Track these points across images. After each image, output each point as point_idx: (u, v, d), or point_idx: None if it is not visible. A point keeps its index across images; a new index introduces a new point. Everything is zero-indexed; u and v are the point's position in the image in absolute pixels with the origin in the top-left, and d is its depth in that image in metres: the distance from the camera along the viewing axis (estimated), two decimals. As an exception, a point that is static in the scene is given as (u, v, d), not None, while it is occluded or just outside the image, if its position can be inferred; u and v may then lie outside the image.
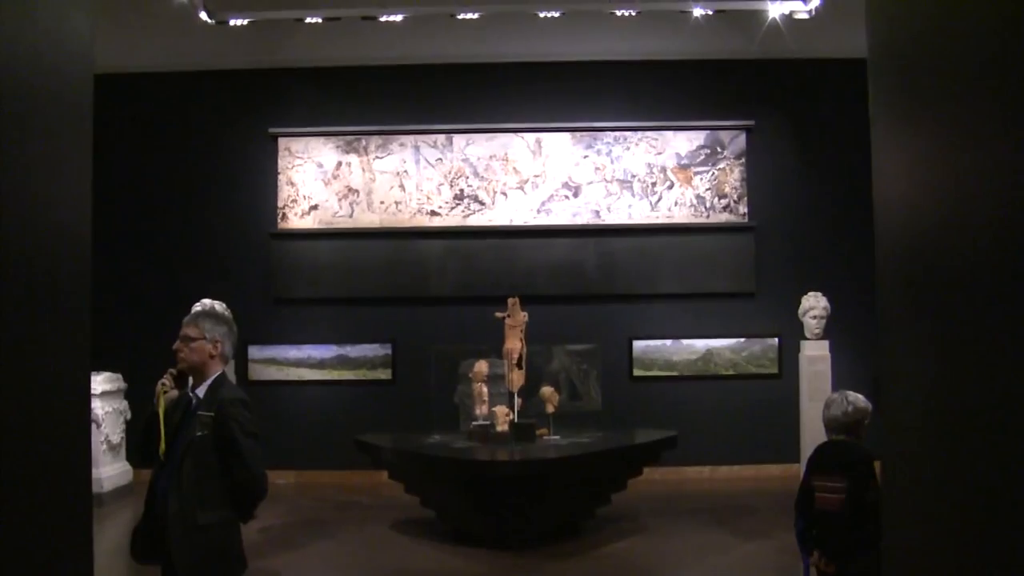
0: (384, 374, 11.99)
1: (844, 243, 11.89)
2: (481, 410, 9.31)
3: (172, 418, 4.38)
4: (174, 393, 4.44)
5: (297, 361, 12.01)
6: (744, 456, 11.82)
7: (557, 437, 9.09)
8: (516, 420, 9.08)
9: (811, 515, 5.17)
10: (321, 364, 12.00)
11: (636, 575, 7.96)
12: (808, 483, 5.23)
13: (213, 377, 4.40)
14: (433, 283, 12.07)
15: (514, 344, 9.18)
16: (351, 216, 12.20)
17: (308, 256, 12.13)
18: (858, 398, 5.18)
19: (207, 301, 7.95)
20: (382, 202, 12.20)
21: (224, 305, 8.03)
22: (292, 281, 12.10)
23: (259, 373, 12.01)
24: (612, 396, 11.70)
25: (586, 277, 12.04)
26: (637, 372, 11.95)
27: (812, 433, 7.82)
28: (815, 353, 7.93)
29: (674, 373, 11.93)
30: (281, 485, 11.47)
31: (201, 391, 4.38)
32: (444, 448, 8.79)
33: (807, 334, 8.01)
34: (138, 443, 4.43)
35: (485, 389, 9.37)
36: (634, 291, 12.02)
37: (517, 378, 9.20)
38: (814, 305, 8.06)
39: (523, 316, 9.27)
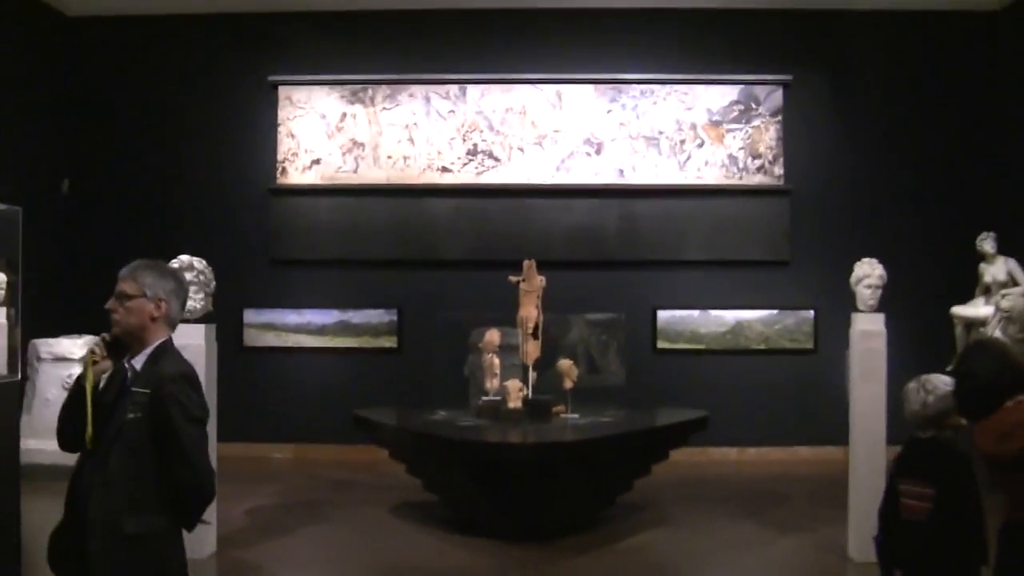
0: (389, 342, 11.38)
1: (889, 208, 11.34)
2: (492, 384, 8.63)
3: (104, 397, 3.51)
4: (106, 364, 3.58)
5: (296, 327, 11.41)
6: (774, 438, 11.23)
7: (575, 416, 8.40)
8: (530, 396, 8.41)
9: (896, 525, 4.24)
10: (322, 330, 11.39)
11: (662, 574, 7.13)
12: (893, 487, 4.30)
13: (154, 345, 3.54)
14: (443, 245, 11.43)
15: (529, 311, 8.48)
16: (356, 171, 11.51)
17: (309, 214, 11.47)
18: (938, 384, 4.27)
19: (184, 257, 7.10)
20: (389, 157, 11.50)
21: (204, 262, 7.16)
22: (292, 241, 11.46)
23: (255, 339, 11.41)
24: (634, 370, 11.02)
25: (608, 241, 11.38)
26: (661, 344, 11.31)
27: (865, 419, 7.08)
28: (869, 327, 7.05)
29: (701, 346, 11.31)
30: (277, 460, 11.10)
31: (139, 362, 3.52)
32: (449, 427, 8.07)
33: (860, 305, 7.15)
34: (59, 426, 3.54)
35: (497, 361, 8.69)
36: (659, 257, 11.36)
37: (532, 349, 8.52)
38: (868, 273, 7.18)
39: (540, 280, 8.62)
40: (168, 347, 3.56)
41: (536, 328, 8.48)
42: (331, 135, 11.52)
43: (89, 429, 3.42)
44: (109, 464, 3.37)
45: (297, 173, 11.49)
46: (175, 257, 7.07)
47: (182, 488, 3.41)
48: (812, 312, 11.24)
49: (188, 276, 7.01)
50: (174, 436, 3.36)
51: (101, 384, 3.56)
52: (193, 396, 3.46)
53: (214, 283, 7.31)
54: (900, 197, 11.35)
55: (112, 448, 3.38)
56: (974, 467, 4.11)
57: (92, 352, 3.53)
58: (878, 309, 7.25)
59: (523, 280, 8.57)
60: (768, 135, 11.40)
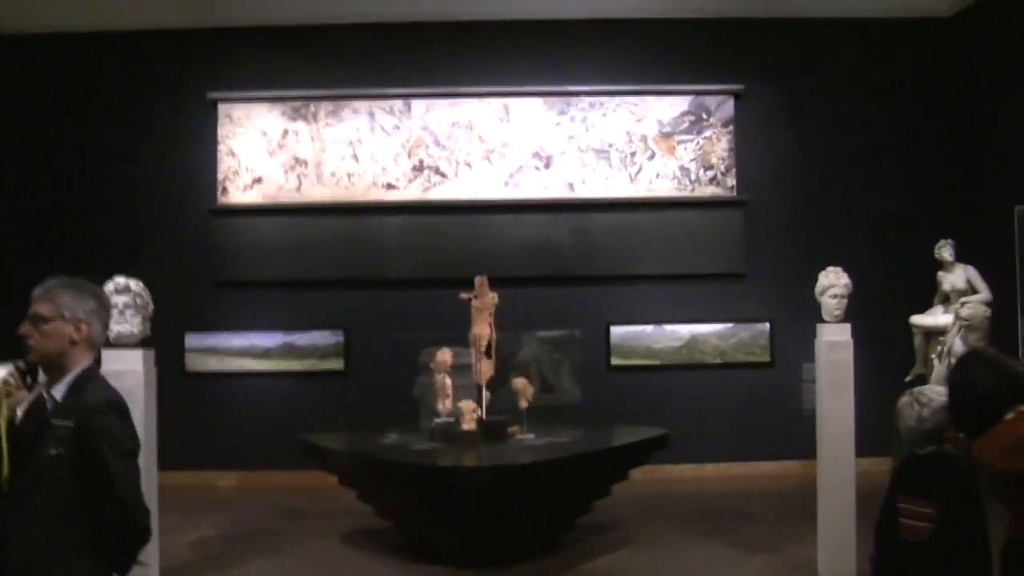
0: (336, 364, 11.07)
1: (844, 218, 11.29)
2: (444, 405, 8.37)
3: (22, 431, 3.15)
4: (22, 395, 3.20)
5: (240, 350, 11.05)
6: (734, 453, 11.10)
7: (531, 436, 8.14)
8: (484, 417, 8.13)
9: (893, 545, 3.98)
10: (266, 354, 11.05)
11: None
12: (891, 505, 4.04)
13: (76, 372, 3.19)
14: (390, 264, 11.15)
15: (482, 329, 8.24)
16: (299, 190, 11.21)
17: (251, 234, 11.14)
18: (933, 397, 4.03)
19: (120, 279, 6.71)
20: (333, 174, 11.22)
21: (140, 284, 6.79)
22: (234, 262, 11.12)
23: (197, 364, 11.05)
24: (590, 388, 10.87)
25: (559, 257, 11.18)
26: (616, 361, 11.10)
27: (832, 432, 6.89)
28: (836, 338, 6.87)
29: (656, 362, 11.11)
30: (222, 488, 10.74)
31: (59, 392, 3.16)
32: (400, 451, 7.77)
33: (826, 316, 6.97)
34: None
35: (449, 381, 8.43)
36: (612, 272, 11.18)
37: (486, 368, 8.28)
38: (834, 282, 7.01)
39: (492, 297, 8.39)
40: (92, 373, 3.22)
41: (489, 346, 8.23)
42: (273, 153, 11.20)
43: (5, 469, 3.08)
44: (30, 506, 3.03)
45: (239, 192, 11.16)
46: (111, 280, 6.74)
47: (114, 529, 3.08)
48: (768, 324, 11.10)
49: (123, 299, 6.69)
50: (103, 472, 3.03)
51: (18, 417, 3.21)
52: (122, 427, 3.13)
53: (152, 306, 6.92)
54: (856, 206, 11.27)
55: (32, 489, 3.04)
56: (978, 482, 3.86)
57: (5, 383, 3.18)
58: (844, 319, 7.06)
59: (475, 297, 8.31)
60: (720, 146, 11.26)
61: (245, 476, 10.80)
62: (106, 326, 3.33)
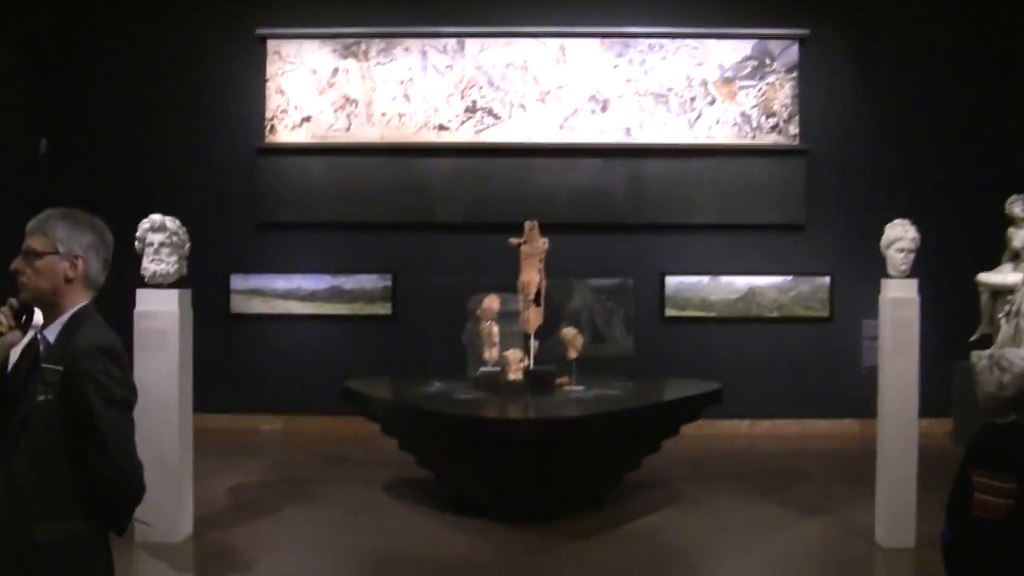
0: (383, 309, 10.88)
1: (911, 169, 10.82)
2: (490, 354, 8.11)
3: (15, 374, 2.84)
4: (15, 336, 2.89)
5: (285, 293, 10.89)
6: (788, 410, 10.81)
7: (580, 388, 7.89)
8: (531, 367, 7.88)
9: (966, 522, 3.55)
10: (312, 297, 10.88)
11: (674, 560, 6.63)
12: (965, 477, 3.60)
13: (71, 312, 2.87)
14: (440, 207, 10.91)
15: (531, 276, 7.95)
16: (348, 130, 10.94)
17: (299, 175, 10.91)
18: (1014, 361, 3.60)
19: (156, 217, 6.51)
20: (383, 114, 10.91)
21: (177, 222, 6.57)
22: (280, 203, 10.90)
23: (242, 305, 10.89)
24: (642, 339, 10.62)
25: (614, 203, 10.86)
26: (670, 312, 10.83)
27: (895, 393, 6.59)
28: (901, 295, 6.46)
29: (711, 314, 10.82)
30: (266, 432, 10.68)
31: (52, 334, 2.86)
32: (444, 401, 7.53)
33: (891, 271, 6.56)
34: None
35: (496, 329, 8.18)
36: (668, 220, 10.86)
37: (534, 317, 8.00)
38: (901, 235, 6.57)
39: (542, 243, 8.10)
40: (87, 314, 2.90)
41: (538, 294, 7.95)
42: (322, 91, 10.92)
43: (-7, 414, 2.78)
44: (15, 458, 2.73)
45: (286, 131, 10.91)
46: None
47: (103, 486, 2.77)
48: (828, 278, 10.75)
49: (159, 237, 6.54)
50: (91, 423, 2.73)
51: (12, 361, 2.89)
52: (115, 373, 2.80)
53: (189, 245, 6.73)
54: (923, 157, 10.80)
55: (19, 439, 2.74)
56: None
57: (-3, 323, 2.87)
58: (910, 275, 6.61)
59: (524, 243, 8.02)
60: (783, 92, 10.82)
61: (288, 421, 10.72)
62: (106, 263, 3.01)
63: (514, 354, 7.76)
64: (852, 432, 10.37)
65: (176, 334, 6.43)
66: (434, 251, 10.84)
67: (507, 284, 8.35)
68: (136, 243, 6.50)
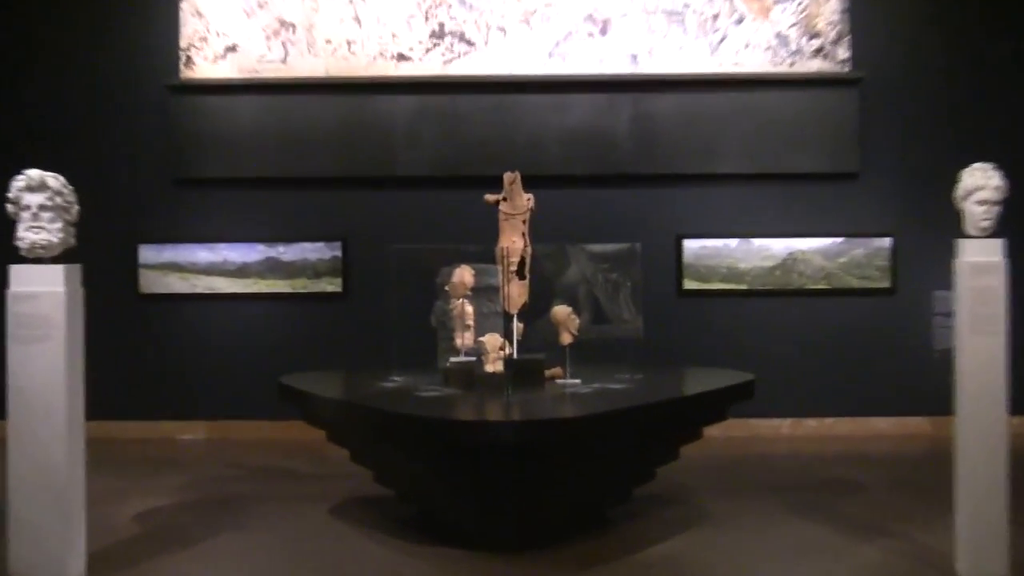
0: (331, 286, 11.01)
1: (990, 103, 10.87)
2: (463, 340, 8.08)
3: None
4: None
5: (208, 267, 10.94)
6: (840, 406, 10.90)
7: (576, 381, 7.84)
8: (515, 355, 7.82)
9: None
10: (242, 271, 10.95)
11: None
12: None
13: None
14: (401, 158, 10.95)
15: (513, 242, 7.94)
16: (285, 61, 11.01)
17: (223, 118, 10.94)
18: None
19: (33, 173, 6.35)
20: (328, 41, 11.00)
21: (62, 180, 6.43)
22: (201, 154, 10.95)
23: (154, 284, 10.93)
24: (654, 319, 10.46)
25: (617, 150, 10.91)
26: (689, 284, 10.92)
27: (977, 382, 6.48)
28: (983, 258, 6.34)
29: (741, 286, 10.91)
30: (185, 443, 10.72)
31: None
32: (405, 399, 7.46)
33: (970, 229, 6.43)
34: None
35: (470, 309, 8.15)
36: (686, 170, 10.93)
37: (517, 292, 7.94)
38: (982, 184, 6.43)
39: (527, 200, 8.03)
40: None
41: (522, 264, 7.90)
42: (251, 13, 10.97)
43: None
44: None
45: (207, 64, 10.94)
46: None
47: None
48: (888, 240, 10.80)
49: (37, 199, 6.36)
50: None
51: None
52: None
53: (78, 208, 6.55)
54: (1008, 86, 10.86)
55: None
56: None
57: None
58: (994, 233, 6.47)
59: (504, 200, 7.94)
60: (829, 7, 10.90)
61: (213, 428, 10.80)
62: None
63: (492, 340, 7.70)
64: (921, 432, 10.43)
65: (62, 321, 6.25)
66: (394, 212, 10.90)
67: (484, 253, 8.34)
68: (8, 206, 6.34)
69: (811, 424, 10.74)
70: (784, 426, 10.72)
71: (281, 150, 10.87)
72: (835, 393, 10.80)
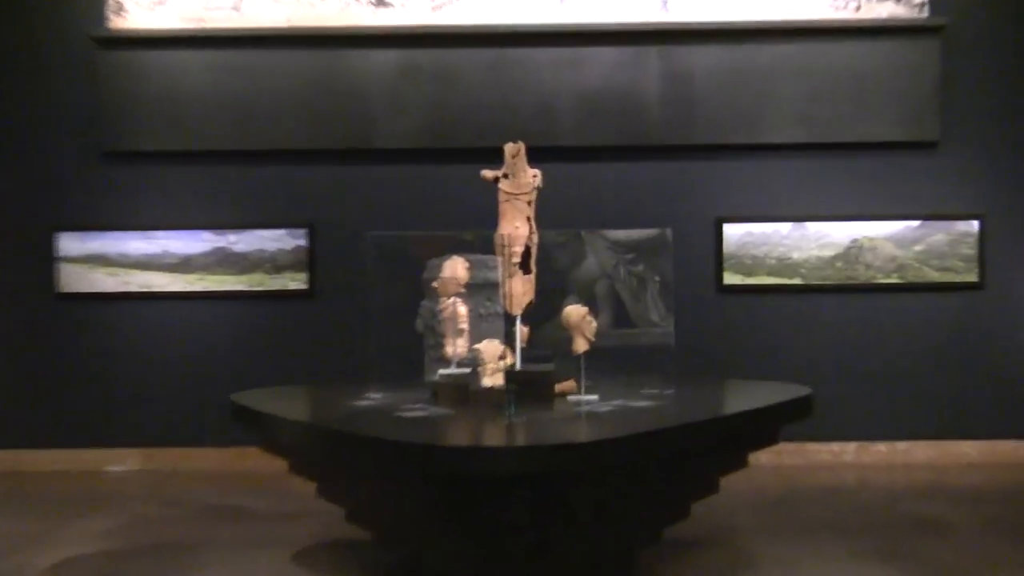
0: (295, 282, 11.03)
1: None
2: (455, 348, 8.11)
3: None
4: None
5: (144, 260, 10.97)
6: (916, 427, 10.88)
7: (593, 398, 7.76)
8: (518, 365, 7.78)
9: None
10: (186, 265, 10.99)
11: None
12: None
13: None
14: (381, 126, 10.99)
15: (516, 227, 7.82)
16: (237, 8, 11.05)
17: (163, 78, 10.97)
18: None
19: None
20: None
21: None
22: (135, 122, 10.98)
23: (76, 280, 10.96)
24: (688, 321, 10.52)
25: (644, 115, 10.93)
26: (730, 279, 10.94)
27: None
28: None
29: (794, 281, 10.92)
30: (116, 475, 10.70)
31: None
32: (384, 420, 7.39)
33: None
34: None
35: (463, 310, 8.19)
36: (727, 139, 10.95)
37: (521, 289, 7.88)
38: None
39: (533, 178, 7.91)
40: None
41: (527, 255, 7.84)
42: None
43: None
44: None
45: (141, 11, 10.95)
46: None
47: None
48: (975, 223, 10.79)
49: None
50: None
51: None
52: None
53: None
54: None
55: None
56: None
57: None
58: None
59: (505, 177, 7.88)
60: None
61: (150, 457, 10.79)
62: None
63: (491, 347, 7.61)
64: (1017, 459, 10.44)
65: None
66: (372, 193, 10.94)
67: (481, 241, 8.30)
68: None
69: (881, 449, 10.72)
70: (848, 452, 10.69)
71: (234, 117, 10.89)
72: (911, 411, 10.79)
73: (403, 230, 10.15)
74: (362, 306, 10.06)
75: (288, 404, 8.19)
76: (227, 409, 8.04)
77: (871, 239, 10.81)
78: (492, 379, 7.54)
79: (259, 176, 10.99)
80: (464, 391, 7.62)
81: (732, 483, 7.90)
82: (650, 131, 10.86)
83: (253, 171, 10.98)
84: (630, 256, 10.67)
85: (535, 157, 7.95)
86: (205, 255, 10.90)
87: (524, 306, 7.87)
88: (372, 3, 10.90)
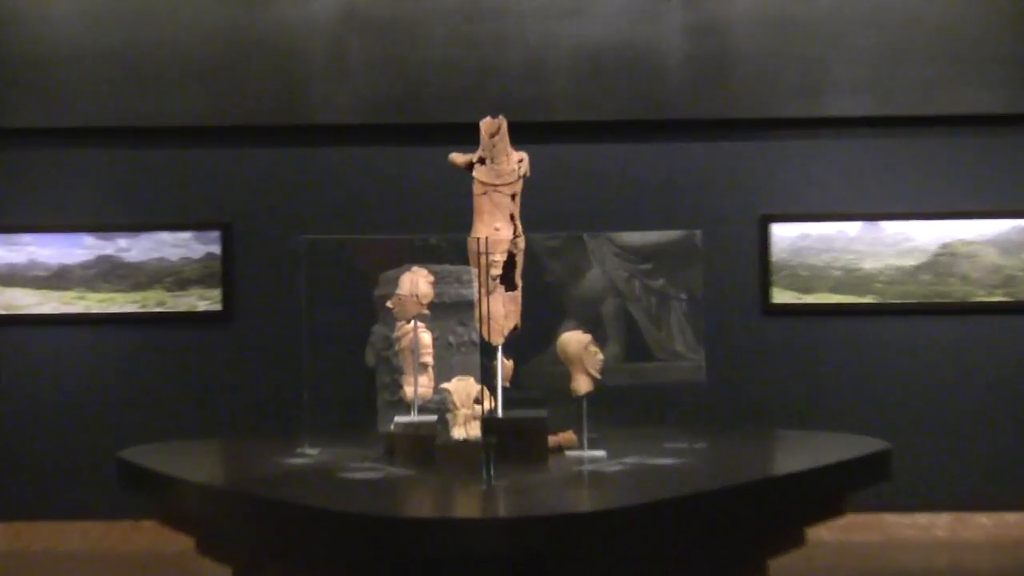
0: (205, 300, 11.10)
1: None
2: (415, 388, 8.04)
3: None
4: None
5: (5, 273, 11.02)
6: None
7: (600, 454, 7.71)
8: (500, 412, 7.67)
9: None
10: (61, 278, 11.05)
11: None
12: None
13: None
14: (318, 94, 11.05)
15: (496, 228, 7.74)
16: None
17: (25, 30, 10.98)
18: None
19: None
20: None
21: None
22: None
23: None
24: (723, 351, 10.50)
25: (664, 80, 10.99)
26: (780, 296, 10.98)
27: None
28: None
29: (865, 299, 10.93)
30: None
31: None
32: (323, 484, 7.33)
33: None
34: None
35: (427, 337, 8.12)
36: (774, 111, 11.03)
37: (503, 310, 7.78)
38: None
39: (518, 163, 7.85)
40: None
41: (511, 265, 7.75)
42: None
43: None
44: None
45: None
46: None
47: None
48: None
49: None
50: None
51: None
52: None
53: None
54: None
55: None
56: None
57: None
58: None
59: (481, 162, 7.81)
60: None
61: (17, 534, 10.72)
62: None
63: (464, 387, 7.50)
64: None
65: None
66: (305, 183, 11.00)
67: (450, 247, 8.46)
68: None
69: (983, 522, 10.65)
70: (939, 524, 10.63)
71: (121, 83, 10.89)
72: (1021, 473, 10.76)
73: (348, 233, 10.09)
74: (294, 333, 10.05)
75: (195, 463, 8.19)
76: (114, 469, 8.03)
77: (967, 243, 10.79)
78: (465, 429, 7.44)
79: (157, 161, 11.00)
80: (428, 445, 7.50)
81: (785, 565, 7.85)
82: (672, 101, 10.87)
83: (148, 155, 11.00)
84: (647, 266, 10.65)
85: (521, 136, 7.93)
86: (86, 266, 10.90)
87: (507, 332, 7.79)
88: (306, -67, 10.95)
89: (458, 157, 7.80)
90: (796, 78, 10.82)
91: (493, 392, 7.63)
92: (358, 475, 7.41)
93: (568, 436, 7.72)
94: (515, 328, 7.78)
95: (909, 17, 10.70)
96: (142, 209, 10.93)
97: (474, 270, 7.79)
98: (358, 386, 9.46)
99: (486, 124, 7.78)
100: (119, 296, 10.85)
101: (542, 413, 7.72)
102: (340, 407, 8.97)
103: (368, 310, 9.47)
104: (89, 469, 9.62)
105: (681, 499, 7.06)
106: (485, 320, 7.77)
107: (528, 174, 7.80)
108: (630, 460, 7.54)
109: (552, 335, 8.09)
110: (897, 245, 10.77)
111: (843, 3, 10.81)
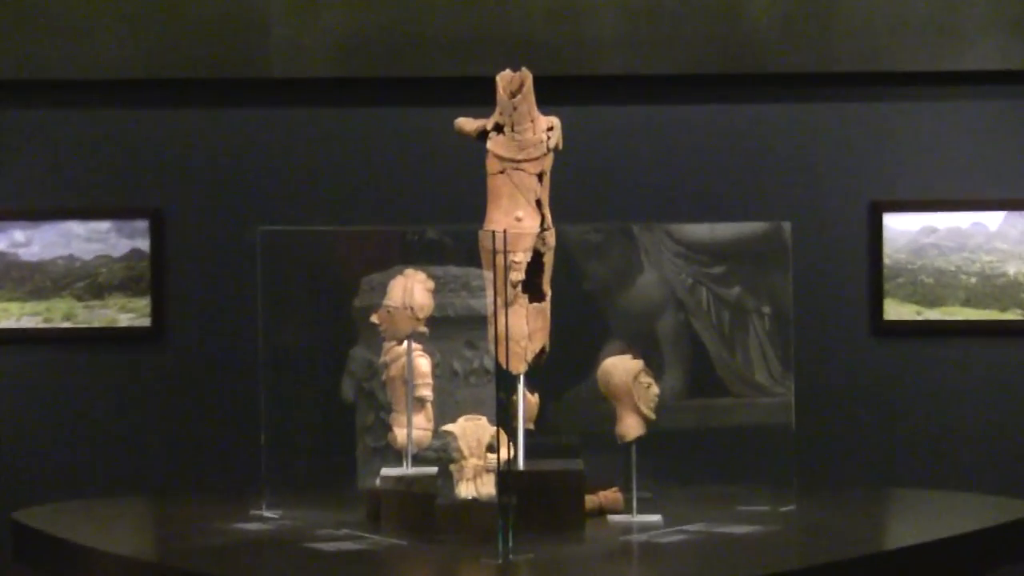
0: (129, 313, 11.15)
1: None
2: (411, 430, 8.10)
3: None
4: None
5: None
6: None
7: (654, 518, 7.81)
8: (521, 462, 7.81)
9: None
10: None
11: None
12: None
13: None
14: (278, 41, 11.10)
15: (517, 218, 7.77)
16: None
17: None
18: None
19: None
20: None
21: None
22: None
23: None
24: (820, 382, 10.65)
25: (742, 21, 10.99)
26: (896, 310, 10.98)
27: None
28: None
29: (1007, 315, 10.93)
30: None
31: None
32: (283, 558, 7.43)
33: None
34: None
35: (425, 363, 8.17)
36: (884, 65, 11.08)
37: (527, 328, 7.84)
38: None
39: (547, 132, 7.86)
40: None
41: (536, 267, 7.86)
42: None
43: None
44: None
45: None
46: None
47: None
48: None
49: None
50: None
51: None
52: None
53: None
54: None
55: None
56: None
57: None
58: None
59: (498, 130, 7.89)
60: None
61: None
62: None
63: (472, 429, 7.58)
64: None
65: None
66: (263, 154, 11.03)
67: (456, 243, 8.51)
68: None
69: None
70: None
71: (14, 25, 10.94)
72: None
73: (317, 223, 10.16)
74: (247, 356, 10.10)
75: (115, 527, 8.21)
76: (4, 535, 8.15)
77: None
78: (475, 485, 7.49)
79: (65, 126, 11.07)
80: (426, 506, 7.56)
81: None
82: (754, 51, 10.92)
83: (52, 117, 11.08)
84: (719, 270, 10.62)
85: (551, 96, 8.00)
86: (-28, 267, 10.97)
87: (531, 357, 7.85)
88: None
89: (467, 123, 7.85)
90: (920, 20, 10.78)
91: (512, 436, 7.66)
92: (332, 546, 7.43)
93: (612, 495, 7.79)
94: (542, 352, 7.82)
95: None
96: (44, 191, 10.99)
97: (488, 274, 7.81)
98: (331, 427, 9.49)
99: (505, 79, 7.83)
100: (13, 307, 10.89)
101: (578, 464, 7.78)
102: (308, 455, 9.03)
103: (346, 326, 9.52)
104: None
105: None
106: (502, 341, 7.80)
107: (560, 146, 7.83)
108: (694, 528, 7.58)
109: (592, 361, 8.15)
110: (1049, 242, 10.74)
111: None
